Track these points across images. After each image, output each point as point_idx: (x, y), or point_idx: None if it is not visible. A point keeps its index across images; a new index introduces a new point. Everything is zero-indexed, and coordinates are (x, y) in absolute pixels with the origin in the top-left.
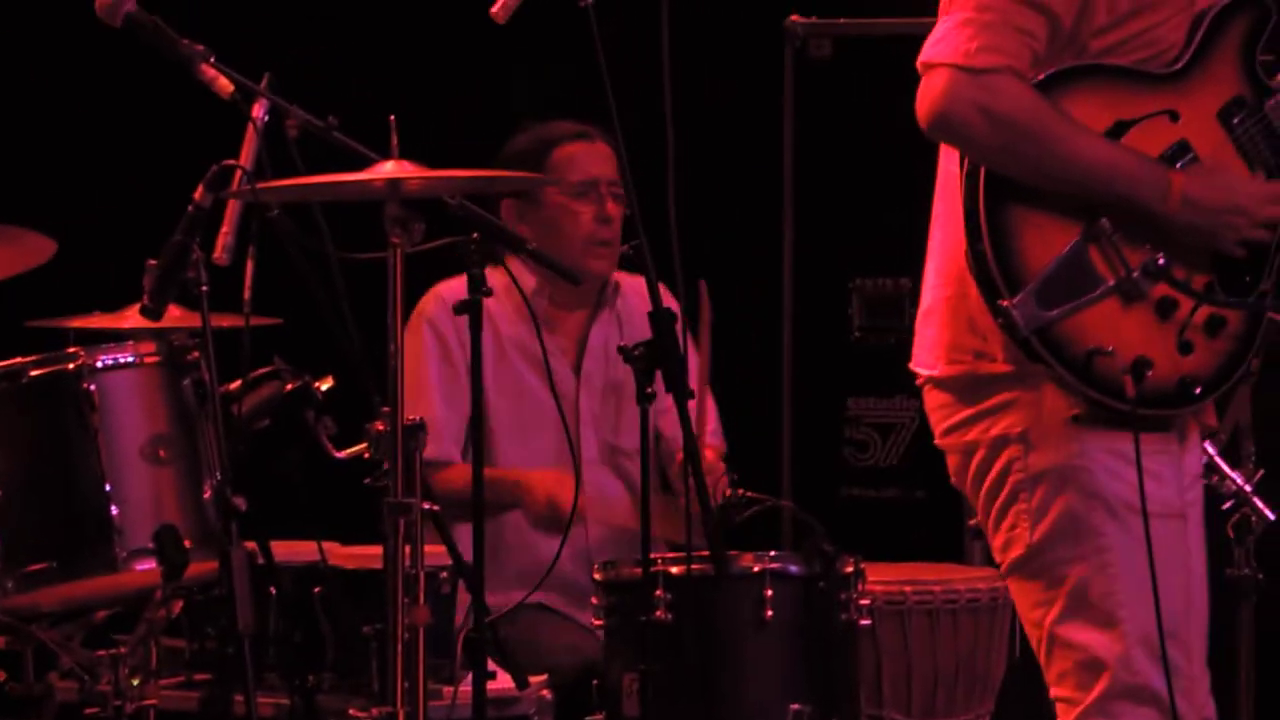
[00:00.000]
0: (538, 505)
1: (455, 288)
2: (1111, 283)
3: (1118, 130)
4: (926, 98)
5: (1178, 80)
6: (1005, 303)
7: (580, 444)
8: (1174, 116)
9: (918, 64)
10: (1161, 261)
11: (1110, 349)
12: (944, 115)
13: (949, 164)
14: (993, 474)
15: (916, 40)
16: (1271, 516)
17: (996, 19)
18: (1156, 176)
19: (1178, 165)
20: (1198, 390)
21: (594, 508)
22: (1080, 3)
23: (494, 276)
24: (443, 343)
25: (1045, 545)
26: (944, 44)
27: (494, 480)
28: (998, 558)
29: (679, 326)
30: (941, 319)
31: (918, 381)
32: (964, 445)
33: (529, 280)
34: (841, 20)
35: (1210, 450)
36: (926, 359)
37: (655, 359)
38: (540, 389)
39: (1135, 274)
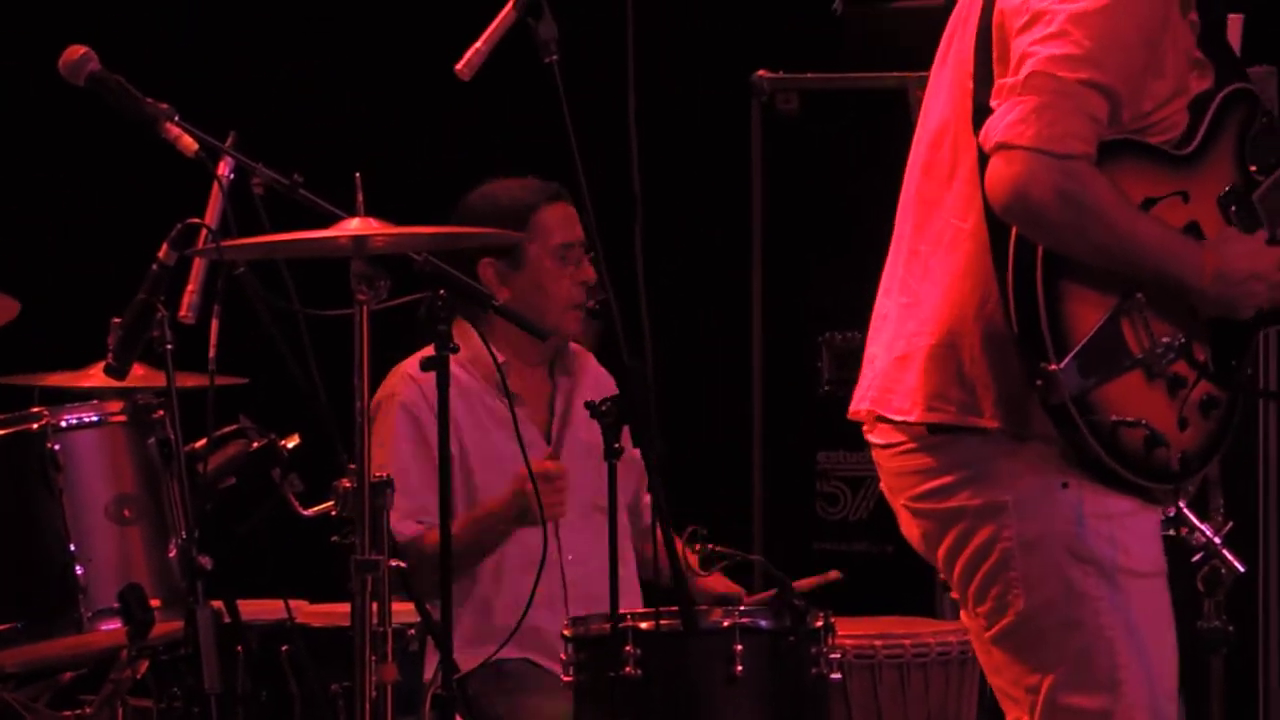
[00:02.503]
0: (510, 504)
1: (417, 365)
2: (1138, 355)
3: (1145, 206)
4: (1005, 180)
5: (1190, 163)
6: (1052, 367)
7: (556, 515)
8: (1186, 198)
9: (987, 144)
10: (1183, 339)
11: (1138, 421)
12: (1024, 198)
13: (950, 217)
14: (977, 541)
15: (881, 95)
16: (1241, 568)
17: (1071, 105)
18: (1196, 255)
19: None
20: (1192, 467)
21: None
22: (1135, 89)
23: (464, 346)
24: (415, 422)
25: (1038, 613)
26: (1023, 127)
27: (474, 521)
28: (979, 625)
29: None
30: (921, 367)
31: (870, 433)
32: (942, 513)
33: (499, 354)
34: (808, 75)
35: (1179, 503)
36: (900, 405)
37: (622, 415)
38: (517, 458)
39: (1159, 349)
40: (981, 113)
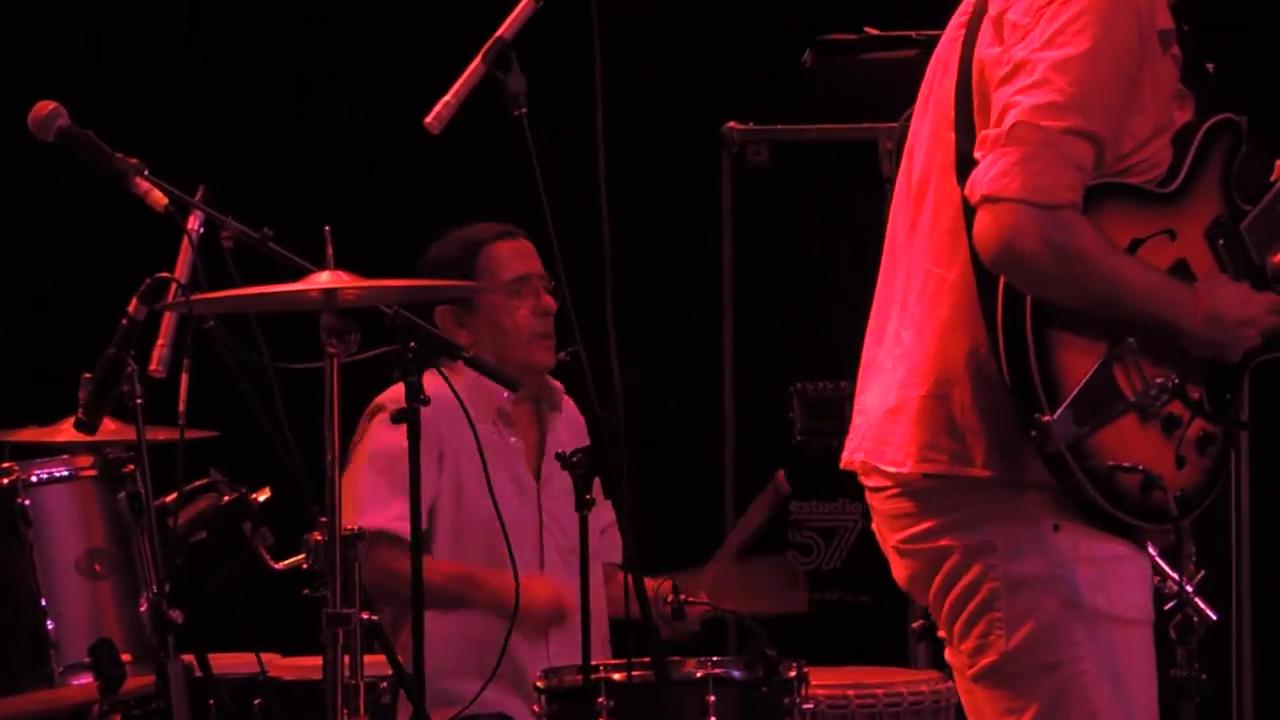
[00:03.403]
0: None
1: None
2: (1131, 399)
3: (1132, 248)
4: (992, 232)
5: (1175, 200)
6: (1046, 418)
7: (543, 548)
8: (1173, 235)
9: (973, 196)
10: (1176, 380)
11: (1135, 465)
12: (1012, 250)
13: (933, 267)
14: (966, 580)
15: (852, 145)
16: (1214, 617)
17: (1056, 155)
18: (1187, 297)
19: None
20: (1190, 505)
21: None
22: (1116, 131)
23: (460, 377)
24: (391, 459)
25: (1020, 653)
26: (1008, 179)
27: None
28: (963, 662)
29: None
30: (912, 418)
31: (864, 478)
32: (932, 552)
33: (492, 387)
34: (779, 126)
35: (1152, 552)
36: (893, 456)
37: (594, 466)
38: (510, 492)
39: (1153, 391)
40: (965, 163)
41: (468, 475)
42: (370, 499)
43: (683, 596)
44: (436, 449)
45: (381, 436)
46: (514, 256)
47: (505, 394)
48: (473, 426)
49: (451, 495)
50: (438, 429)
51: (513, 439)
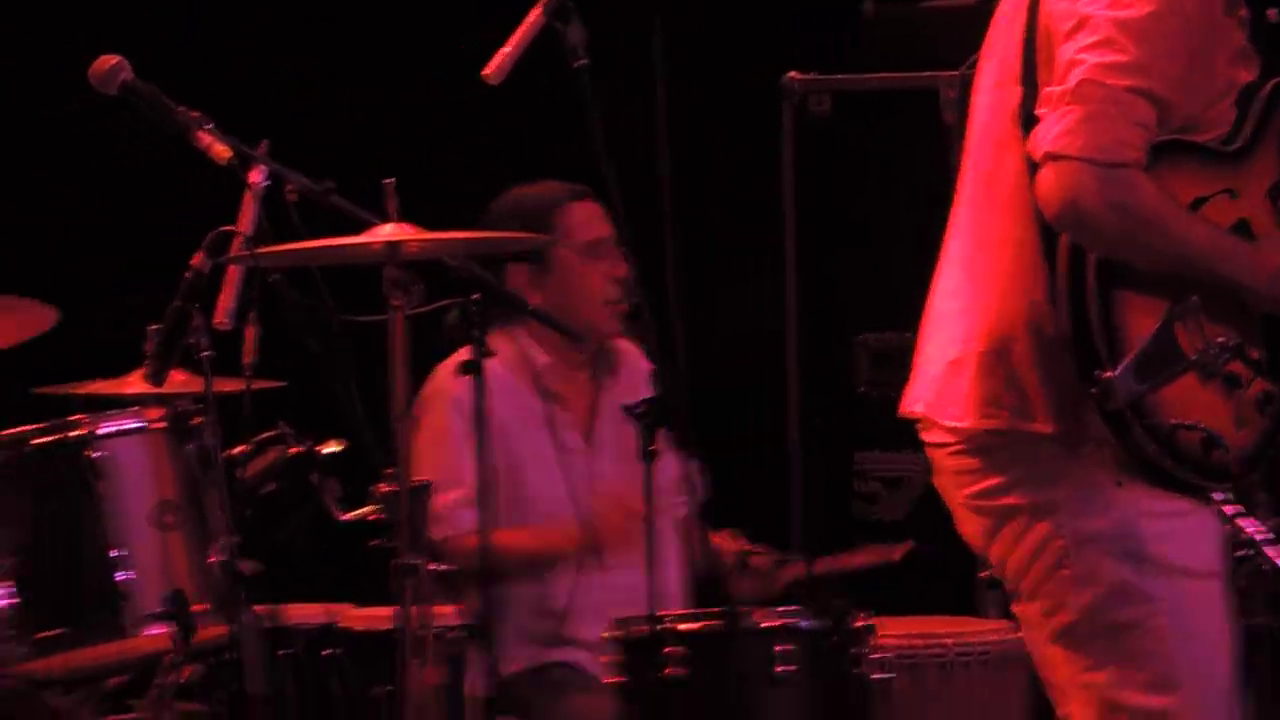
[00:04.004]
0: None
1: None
2: (1193, 358)
3: (1195, 206)
4: (1055, 190)
5: (1238, 160)
6: (1107, 375)
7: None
8: (1234, 194)
9: (1036, 153)
10: (1237, 339)
11: (1196, 424)
12: (1075, 208)
13: (996, 220)
14: (1032, 539)
15: (913, 94)
16: None
17: (1119, 113)
18: (1249, 256)
19: None
20: (1250, 465)
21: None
22: (1182, 92)
23: (509, 345)
24: (465, 417)
25: (1093, 612)
26: (1071, 137)
27: (537, 551)
28: (1034, 619)
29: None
30: (973, 373)
31: (925, 433)
32: (999, 509)
33: (541, 356)
34: (840, 76)
35: (1219, 499)
36: (954, 411)
37: (658, 417)
38: (557, 463)
39: (1214, 350)
40: (1028, 118)
41: (515, 447)
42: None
43: (749, 547)
44: (494, 434)
45: (437, 418)
46: (590, 219)
47: (543, 362)
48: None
49: (502, 468)
50: (498, 407)
51: (556, 406)
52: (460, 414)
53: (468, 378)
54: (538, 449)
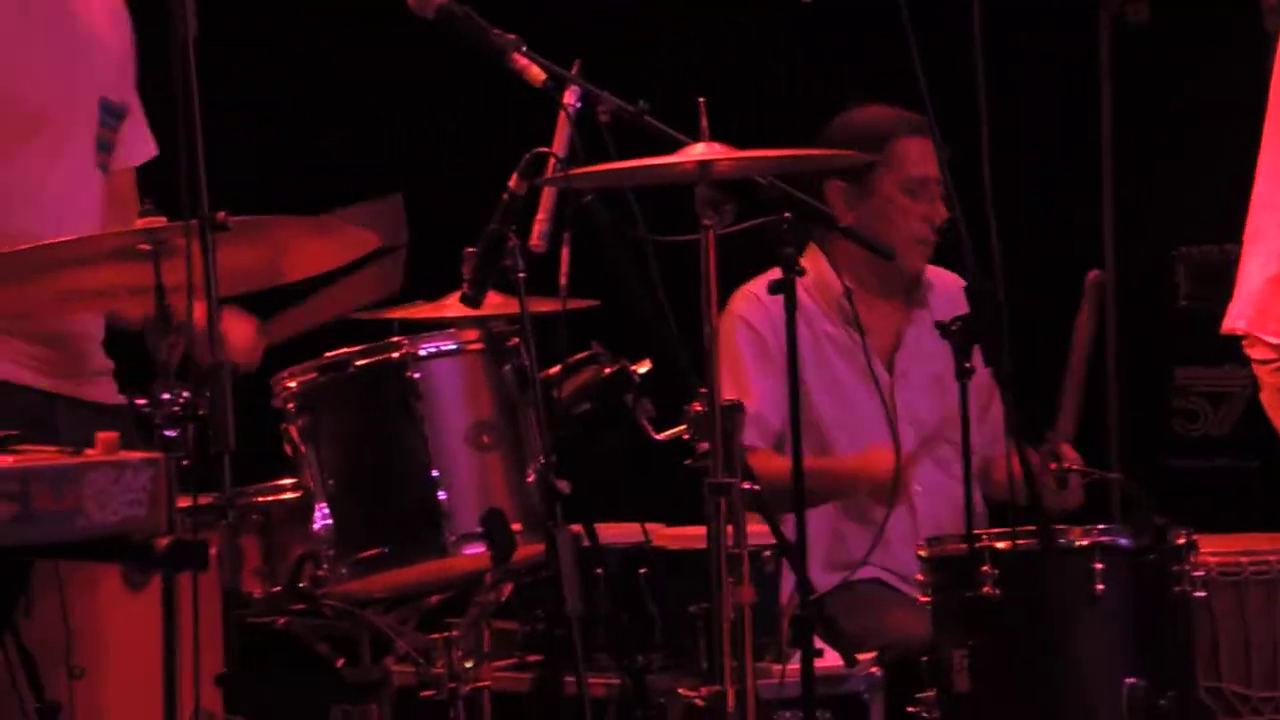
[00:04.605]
0: (857, 482)
1: (764, 282)
2: None
3: None
4: None
5: None
6: None
7: (900, 440)
8: None
9: None
10: None
11: None
12: None
13: None
14: None
15: (1235, 2)
16: None
17: None
18: None
19: None
20: None
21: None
22: None
23: (809, 268)
24: (758, 337)
25: None
26: None
27: (818, 474)
28: None
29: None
30: None
31: (1249, 349)
32: None
33: (843, 283)
34: None
35: None
36: (1275, 327)
37: (972, 334)
38: (858, 386)
39: None
40: None
41: (809, 374)
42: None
43: (1066, 464)
44: (777, 352)
45: (727, 339)
46: (922, 156)
47: (845, 289)
48: (857, 320)
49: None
50: (777, 332)
51: (858, 334)
52: (746, 334)
53: (753, 299)
54: (835, 375)
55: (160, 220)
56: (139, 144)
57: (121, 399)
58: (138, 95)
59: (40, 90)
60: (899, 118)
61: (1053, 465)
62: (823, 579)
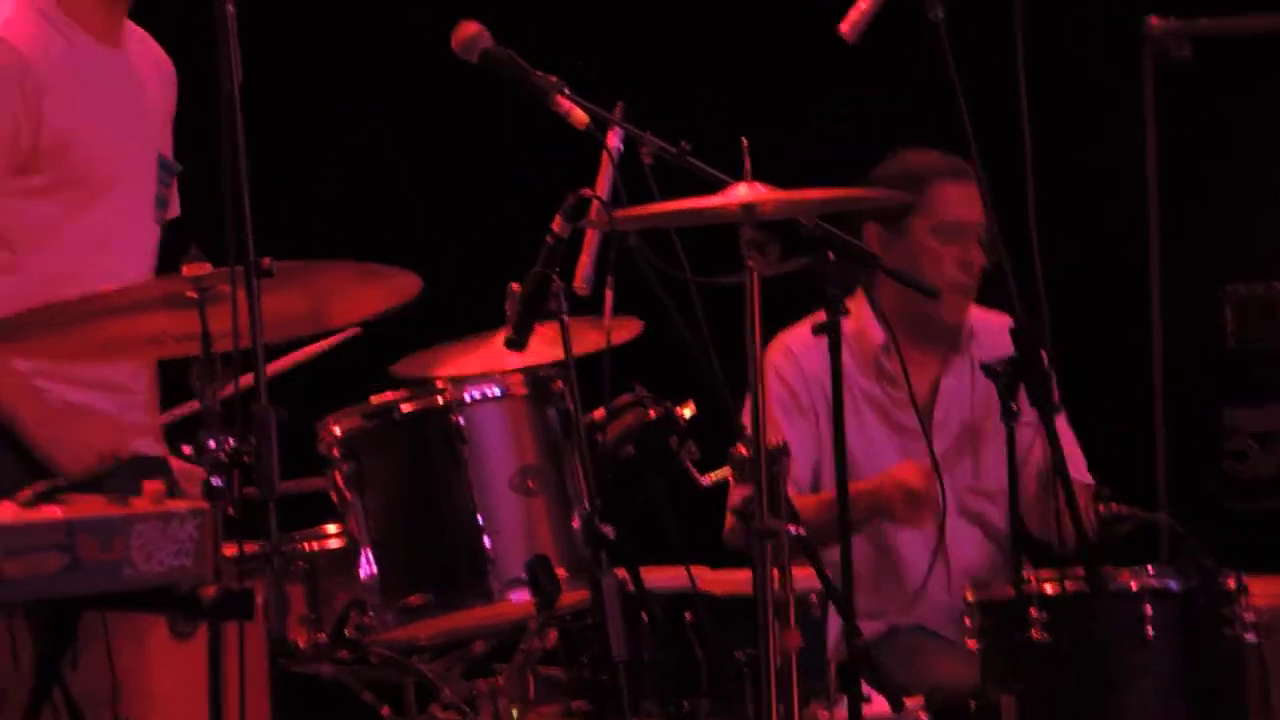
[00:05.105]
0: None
1: (799, 335)
2: None
3: None
4: None
5: None
6: None
7: (943, 489)
8: None
9: None
10: None
11: None
12: None
13: None
14: None
15: (1277, 39)
16: None
17: None
18: None
19: None
20: None
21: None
22: None
23: (849, 321)
24: (788, 389)
25: None
26: None
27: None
28: None
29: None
30: None
31: None
32: None
33: (878, 334)
34: (1201, 20)
35: None
36: None
37: (1018, 374)
38: (892, 440)
39: None
40: None
41: (848, 427)
42: None
43: (1114, 506)
44: (814, 404)
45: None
46: (959, 200)
47: (881, 341)
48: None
49: (828, 441)
50: (820, 382)
51: (890, 386)
52: (776, 385)
53: (786, 350)
54: (869, 431)
55: (206, 267)
56: (174, 202)
57: (165, 449)
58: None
59: (110, 153)
60: (937, 162)
61: (1100, 508)
62: (864, 627)
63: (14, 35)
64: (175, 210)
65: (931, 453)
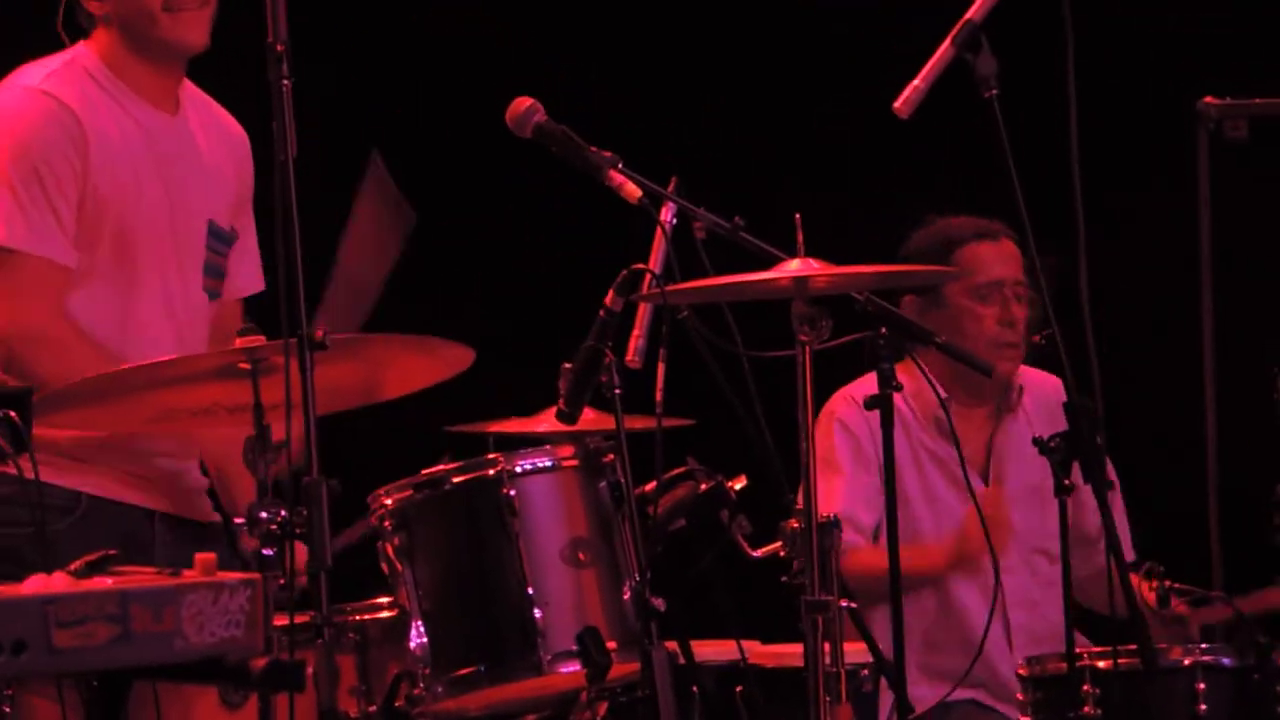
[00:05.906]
0: (950, 551)
1: (863, 387)
2: None
3: None
4: None
5: None
6: None
7: (999, 552)
8: None
9: None
10: None
11: None
12: None
13: None
14: None
15: None
16: None
17: None
18: None
19: None
20: None
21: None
22: None
23: (905, 380)
24: (853, 439)
25: None
26: None
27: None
28: None
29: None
30: None
31: None
32: None
33: (937, 393)
34: (1257, 100)
35: None
36: None
37: (1072, 450)
38: (955, 497)
39: None
40: None
41: (908, 483)
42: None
43: (1168, 582)
44: (873, 455)
45: (823, 439)
46: (991, 260)
47: (939, 399)
48: (952, 429)
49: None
50: (874, 437)
51: (950, 445)
52: (842, 435)
53: (851, 403)
54: (930, 486)
55: (259, 339)
56: (250, 276)
57: (216, 516)
58: (254, 230)
59: (150, 218)
60: (965, 225)
61: (1154, 583)
62: (917, 689)
63: (56, 89)
64: (257, 284)
65: (978, 508)
